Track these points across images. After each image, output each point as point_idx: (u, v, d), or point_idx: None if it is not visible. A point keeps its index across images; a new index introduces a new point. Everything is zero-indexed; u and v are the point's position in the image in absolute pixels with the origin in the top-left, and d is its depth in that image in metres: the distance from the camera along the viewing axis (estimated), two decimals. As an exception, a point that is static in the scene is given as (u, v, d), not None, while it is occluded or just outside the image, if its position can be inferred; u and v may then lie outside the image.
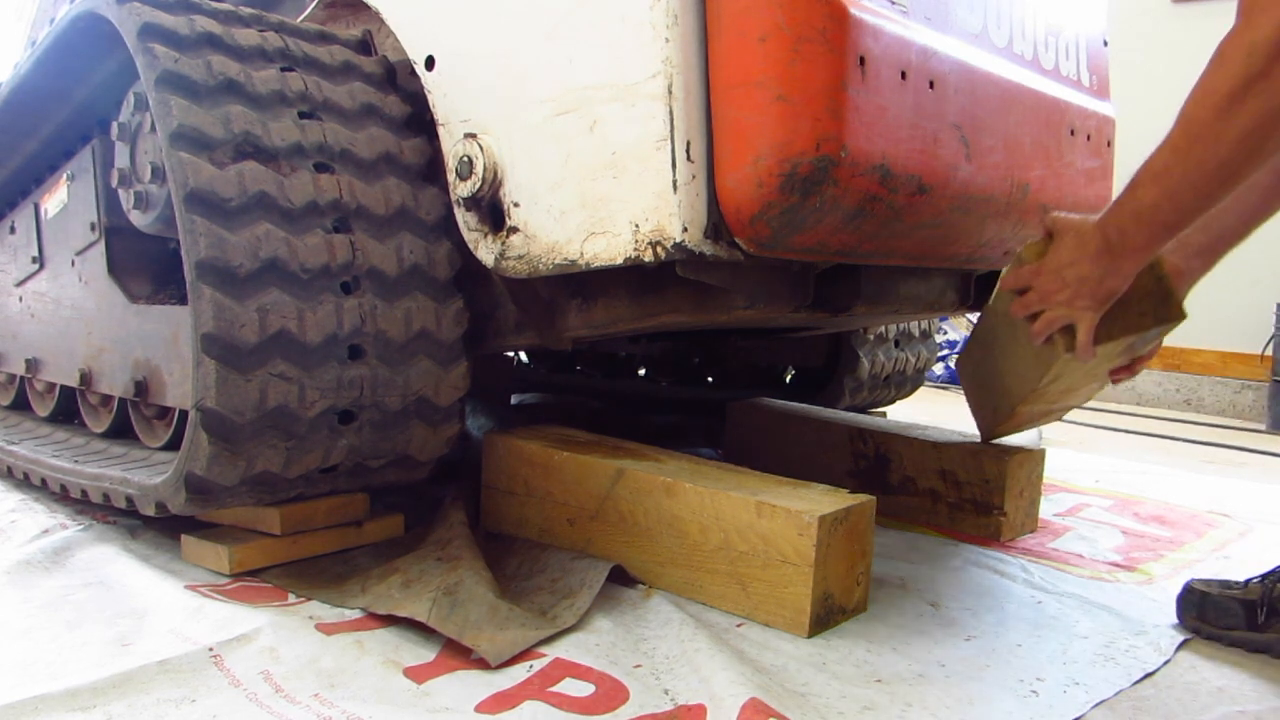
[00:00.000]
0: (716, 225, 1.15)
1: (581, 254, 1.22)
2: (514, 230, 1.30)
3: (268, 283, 1.19)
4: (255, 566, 1.31)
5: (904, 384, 2.53)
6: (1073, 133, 1.57)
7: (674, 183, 1.12)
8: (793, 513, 1.23)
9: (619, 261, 1.18)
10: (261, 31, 1.36)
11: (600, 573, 1.30)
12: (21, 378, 1.99)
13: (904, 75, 1.18)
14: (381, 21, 1.46)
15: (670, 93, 1.11)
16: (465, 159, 1.31)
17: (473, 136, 1.31)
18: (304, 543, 1.36)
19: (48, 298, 1.78)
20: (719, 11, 1.11)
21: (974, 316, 1.99)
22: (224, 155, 1.21)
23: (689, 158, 1.12)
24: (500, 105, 1.30)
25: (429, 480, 1.48)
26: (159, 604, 1.20)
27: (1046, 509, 1.87)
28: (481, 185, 1.30)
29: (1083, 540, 1.73)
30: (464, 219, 1.36)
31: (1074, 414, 3.50)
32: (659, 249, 1.14)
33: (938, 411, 3.24)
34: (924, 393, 3.39)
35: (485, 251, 1.34)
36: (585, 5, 1.18)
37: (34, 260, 1.79)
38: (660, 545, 1.36)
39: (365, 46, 1.49)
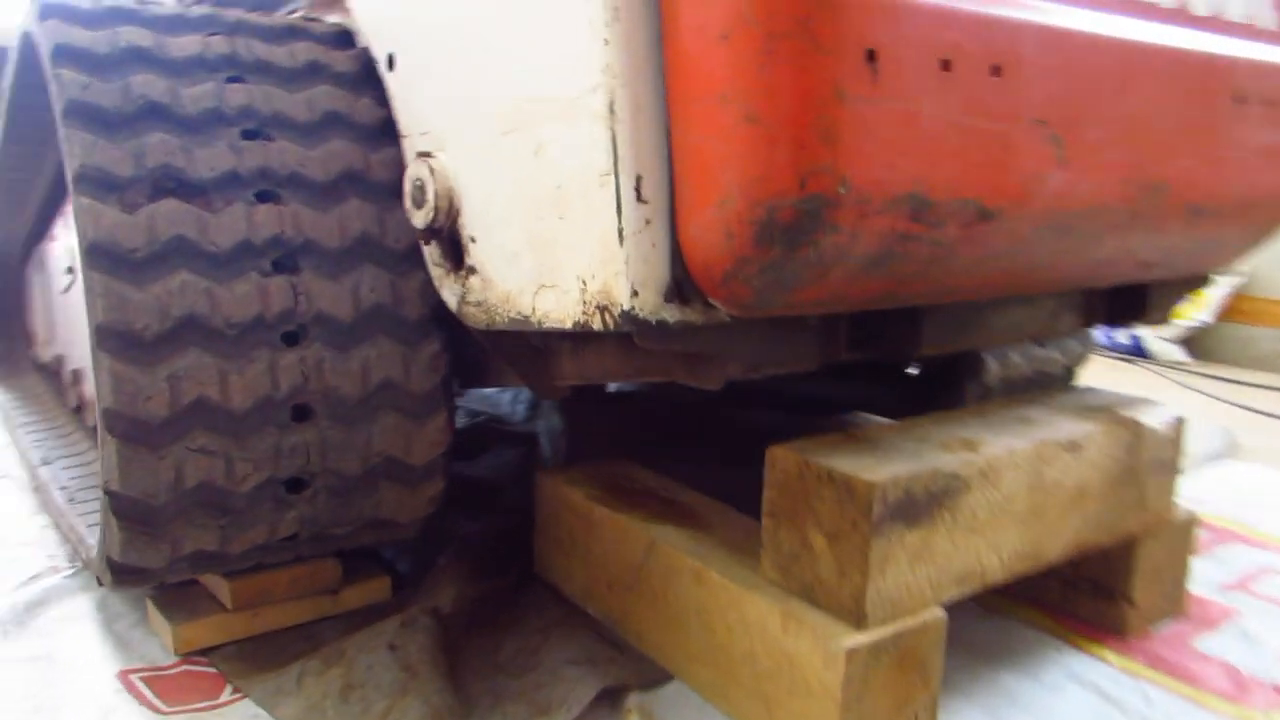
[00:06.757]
0: (680, 283, 0.88)
1: (534, 309, 0.99)
2: (472, 270, 1.07)
3: (183, 344, 1.03)
4: (206, 645, 1.18)
5: (1050, 385, 2.12)
6: (1243, 100, 1.15)
7: (619, 231, 0.85)
8: (819, 635, 0.98)
9: (568, 325, 0.94)
10: (207, 36, 1.19)
11: (586, 692, 1.09)
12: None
13: (947, 65, 0.84)
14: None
15: (612, 112, 0.84)
16: (417, 182, 1.09)
17: (426, 155, 1.09)
18: (268, 615, 1.22)
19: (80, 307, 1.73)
20: (672, 1, 0.82)
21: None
22: (137, 195, 1.05)
23: (639, 197, 0.85)
24: (453, 118, 1.07)
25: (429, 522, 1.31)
26: (79, 697, 1.09)
27: (1207, 573, 1.46)
28: (436, 214, 1.08)
29: (1246, 641, 1.28)
30: (428, 252, 1.15)
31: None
32: (606, 315, 0.88)
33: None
34: (1106, 365, 2.88)
35: (448, 292, 1.13)
36: (522, -6, 0.92)
37: (68, 271, 1.74)
38: (690, 637, 1.14)
39: (342, 39, 1.29)
